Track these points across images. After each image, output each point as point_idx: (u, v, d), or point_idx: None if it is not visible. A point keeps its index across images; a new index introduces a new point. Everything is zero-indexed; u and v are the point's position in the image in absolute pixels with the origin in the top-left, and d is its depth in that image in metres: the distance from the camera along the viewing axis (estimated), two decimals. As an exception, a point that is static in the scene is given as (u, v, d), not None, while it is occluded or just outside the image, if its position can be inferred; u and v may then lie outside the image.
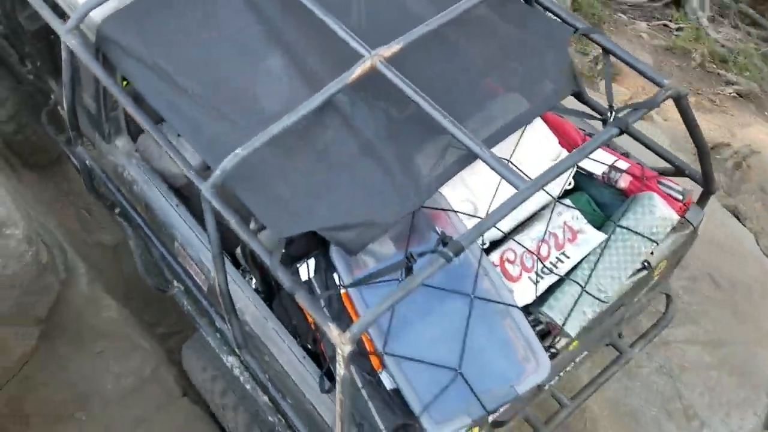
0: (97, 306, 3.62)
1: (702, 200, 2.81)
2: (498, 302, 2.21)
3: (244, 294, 2.50)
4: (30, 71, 3.56)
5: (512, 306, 2.23)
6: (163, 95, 2.26)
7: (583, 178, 2.65)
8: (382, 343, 2.10)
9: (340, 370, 1.84)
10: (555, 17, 2.47)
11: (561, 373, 2.71)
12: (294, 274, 2.26)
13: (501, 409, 2.24)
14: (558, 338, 2.43)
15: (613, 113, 2.25)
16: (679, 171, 2.75)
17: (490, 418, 2.27)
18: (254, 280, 2.60)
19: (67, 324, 3.46)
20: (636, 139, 2.64)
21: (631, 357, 3.02)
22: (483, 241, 2.34)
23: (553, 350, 2.42)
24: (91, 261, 3.88)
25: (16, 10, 3.19)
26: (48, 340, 3.34)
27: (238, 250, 2.62)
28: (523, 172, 2.19)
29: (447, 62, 2.30)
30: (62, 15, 2.56)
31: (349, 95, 2.14)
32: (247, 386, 2.77)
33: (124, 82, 2.53)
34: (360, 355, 2.13)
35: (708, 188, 2.76)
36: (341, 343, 1.80)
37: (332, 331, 1.83)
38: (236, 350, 2.47)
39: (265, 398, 2.70)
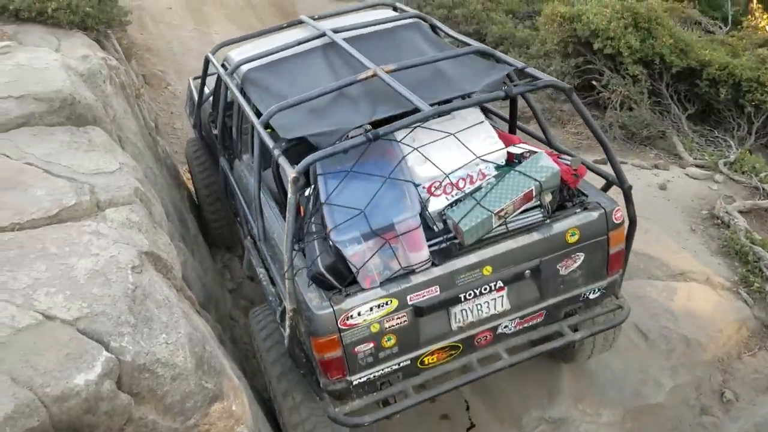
0: None
1: (626, 200, 3.65)
2: (402, 180, 3.35)
3: (277, 223, 3.80)
4: (225, 158, 5.24)
5: (409, 182, 3.38)
6: (261, 96, 4.02)
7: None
8: (325, 198, 3.30)
9: (290, 194, 3.04)
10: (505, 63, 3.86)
11: (481, 301, 3.47)
12: (301, 192, 3.52)
13: (422, 298, 3.30)
14: (461, 240, 3.36)
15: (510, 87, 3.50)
16: (596, 173, 3.84)
17: (410, 301, 3.28)
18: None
19: None
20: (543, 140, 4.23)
21: (571, 340, 3.75)
22: (425, 183, 3.45)
23: (456, 242, 3.40)
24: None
25: (225, 114, 4.98)
26: None
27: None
28: (467, 147, 3.52)
29: (421, 72, 3.72)
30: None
31: (358, 88, 3.65)
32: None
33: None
34: (322, 227, 3.28)
35: (621, 185, 3.63)
36: (291, 173, 3.04)
37: (287, 165, 3.19)
38: (257, 242, 3.96)
39: (273, 290, 3.85)
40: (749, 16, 11.09)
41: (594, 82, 8.68)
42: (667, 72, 8.41)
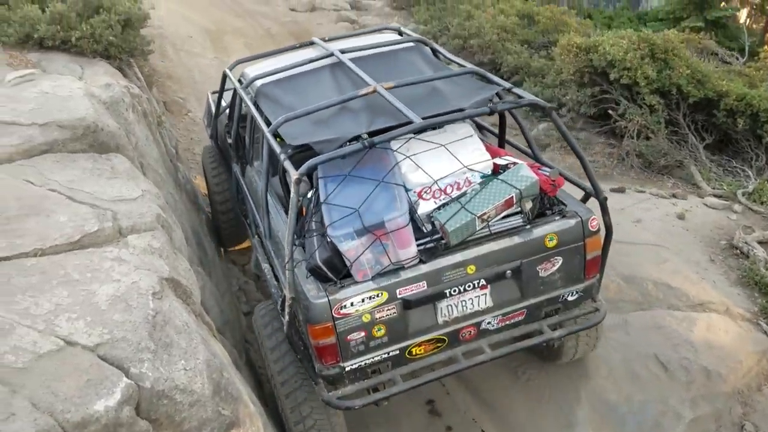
0: None
1: (602, 211, 3.93)
2: (393, 183, 3.62)
3: (282, 224, 4.01)
4: (237, 165, 5.57)
5: (400, 185, 3.65)
6: (272, 108, 4.33)
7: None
8: (324, 198, 3.57)
9: (292, 193, 3.37)
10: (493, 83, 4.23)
11: (466, 298, 3.75)
12: (303, 195, 3.77)
13: (411, 291, 3.59)
14: (447, 240, 3.65)
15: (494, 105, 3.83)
16: (575, 185, 4.23)
17: (399, 294, 3.56)
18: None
19: None
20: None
21: (550, 337, 4.02)
22: (416, 188, 3.72)
23: (443, 242, 3.67)
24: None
25: (239, 124, 5.38)
26: None
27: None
28: (456, 157, 3.82)
29: (418, 90, 4.07)
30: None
31: (359, 102, 3.95)
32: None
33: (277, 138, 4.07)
34: (321, 225, 3.55)
35: (597, 197, 3.91)
36: (294, 175, 3.37)
37: (291, 167, 3.54)
38: (263, 238, 4.38)
39: (276, 283, 4.17)
40: (766, 47, 11.07)
41: (610, 111, 8.69)
42: (684, 102, 8.41)
